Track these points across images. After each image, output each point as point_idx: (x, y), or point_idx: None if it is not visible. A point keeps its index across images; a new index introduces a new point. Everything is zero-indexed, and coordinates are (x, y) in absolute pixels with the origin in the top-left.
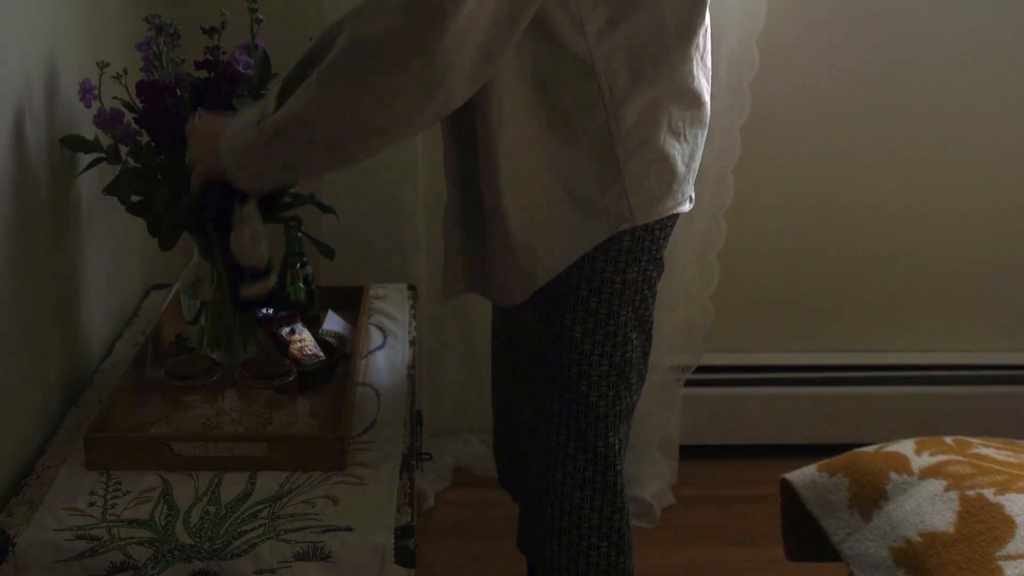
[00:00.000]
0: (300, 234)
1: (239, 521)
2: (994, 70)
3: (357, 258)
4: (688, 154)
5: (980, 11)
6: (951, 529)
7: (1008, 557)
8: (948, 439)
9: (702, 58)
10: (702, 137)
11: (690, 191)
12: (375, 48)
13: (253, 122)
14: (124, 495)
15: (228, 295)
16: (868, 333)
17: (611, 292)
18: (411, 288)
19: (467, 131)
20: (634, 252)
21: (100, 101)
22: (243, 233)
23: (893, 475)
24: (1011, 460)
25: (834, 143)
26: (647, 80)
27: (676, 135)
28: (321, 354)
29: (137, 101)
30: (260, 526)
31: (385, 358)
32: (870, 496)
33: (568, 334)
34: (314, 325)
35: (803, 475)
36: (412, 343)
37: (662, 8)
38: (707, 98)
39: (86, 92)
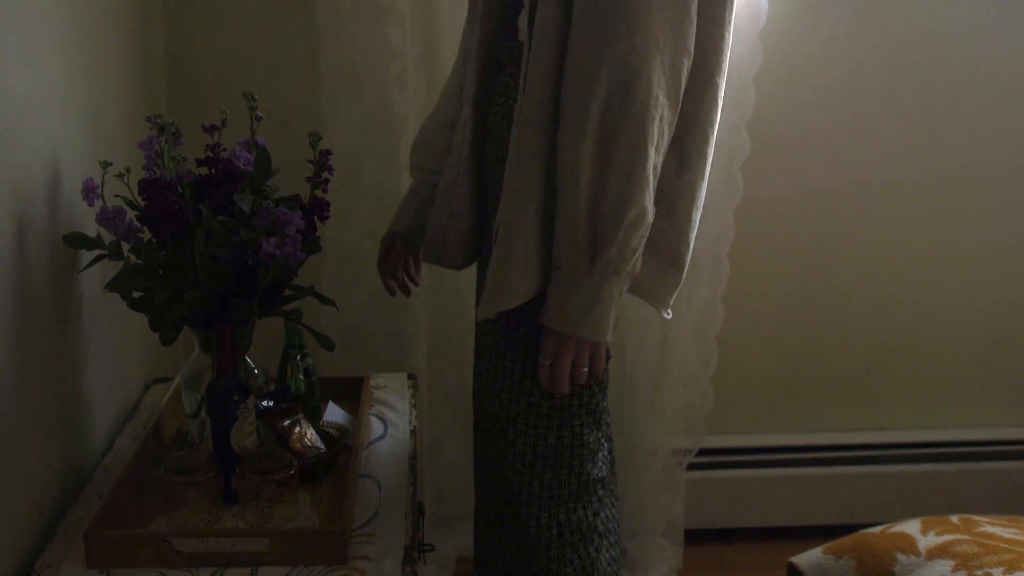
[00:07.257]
0: (300, 326)
1: None
2: (991, 155)
3: (357, 349)
4: None
5: (976, 105)
6: None
7: None
8: (954, 518)
9: None
10: None
11: None
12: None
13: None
14: None
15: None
16: (870, 412)
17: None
18: (411, 378)
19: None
20: None
21: (103, 200)
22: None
23: (900, 556)
24: (1018, 538)
25: (828, 224)
26: None
27: None
28: (322, 446)
29: (139, 199)
30: None
31: (386, 448)
32: None
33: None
34: (315, 417)
35: (809, 558)
36: (413, 433)
37: None
38: None
39: (89, 191)
